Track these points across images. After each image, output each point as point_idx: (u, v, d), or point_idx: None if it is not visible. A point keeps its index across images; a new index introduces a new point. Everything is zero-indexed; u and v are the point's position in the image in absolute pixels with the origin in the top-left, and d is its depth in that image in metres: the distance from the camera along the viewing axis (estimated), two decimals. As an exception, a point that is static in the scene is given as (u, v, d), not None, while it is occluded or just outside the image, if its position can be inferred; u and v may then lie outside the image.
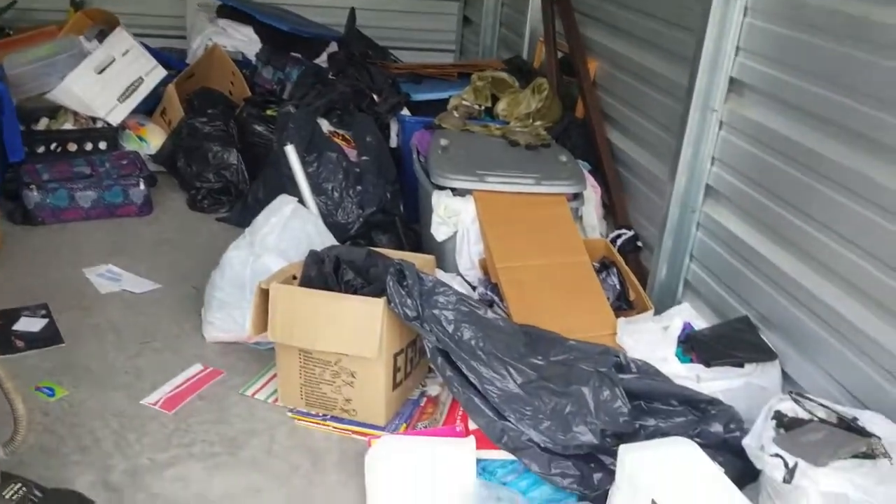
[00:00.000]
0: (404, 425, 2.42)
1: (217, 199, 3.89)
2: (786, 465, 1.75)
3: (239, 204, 3.80)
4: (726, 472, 2.03)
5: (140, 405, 2.46)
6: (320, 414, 2.46)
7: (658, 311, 2.66)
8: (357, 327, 2.27)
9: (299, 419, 2.44)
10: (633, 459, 1.80)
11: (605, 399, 2.09)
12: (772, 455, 1.79)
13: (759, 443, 1.88)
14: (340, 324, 2.28)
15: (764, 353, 2.39)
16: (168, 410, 2.45)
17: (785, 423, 1.92)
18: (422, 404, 2.53)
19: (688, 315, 2.55)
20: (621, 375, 2.18)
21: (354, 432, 2.40)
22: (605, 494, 1.95)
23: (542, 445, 2.09)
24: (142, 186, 3.70)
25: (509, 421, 2.12)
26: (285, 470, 2.24)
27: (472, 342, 2.22)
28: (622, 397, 2.09)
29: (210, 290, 2.80)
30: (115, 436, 2.32)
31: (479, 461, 2.22)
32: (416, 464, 2.20)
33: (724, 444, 2.12)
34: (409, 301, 2.24)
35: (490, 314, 2.32)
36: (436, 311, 2.25)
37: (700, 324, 2.53)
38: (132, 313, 2.96)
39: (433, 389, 2.58)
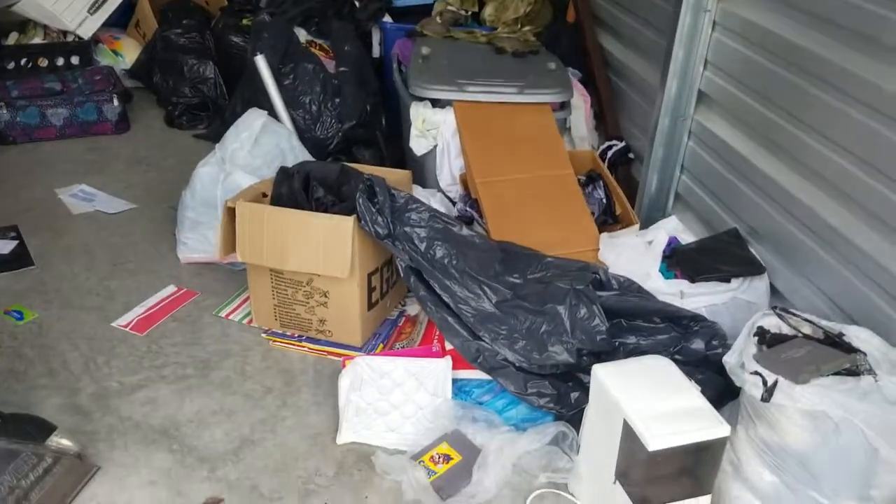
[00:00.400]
0: (381, 345, 2.36)
1: (195, 115, 3.76)
2: (764, 382, 1.67)
3: (217, 120, 3.67)
4: (707, 390, 1.97)
5: (111, 327, 2.41)
6: (295, 335, 2.40)
7: (648, 226, 2.56)
8: (327, 246, 2.18)
9: (274, 340, 2.39)
10: (605, 377, 1.74)
11: (581, 317, 2.01)
12: (751, 373, 1.72)
13: (740, 360, 1.80)
14: (310, 243, 2.19)
15: (752, 267, 2.30)
16: (139, 332, 2.39)
17: (767, 340, 1.84)
18: (400, 324, 2.47)
19: (674, 229, 2.44)
20: (601, 293, 2.10)
21: (330, 353, 2.35)
22: (582, 413, 1.89)
23: (518, 365, 2.02)
24: (116, 103, 3.56)
25: (484, 341, 2.05)
26: (258, 391, 2.20)
27: (446, 260, 2.13)
28: (599, 315, 2.01)
29: (181, 210, 2.71)
30: (84, 359, 2.27)
31: (455, 381, 2.16)
32: (391, 384, 2.15)
33: (705, 361, 2.06)
34: (379, 218, 2.14)
35: (465, 231, 2.23)
36: (407, 229, 2.16)
37: (687, 238, 2.44)
38: (105, 234, 2.89)
39: (412, 309, 2.52)
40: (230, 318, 2.48)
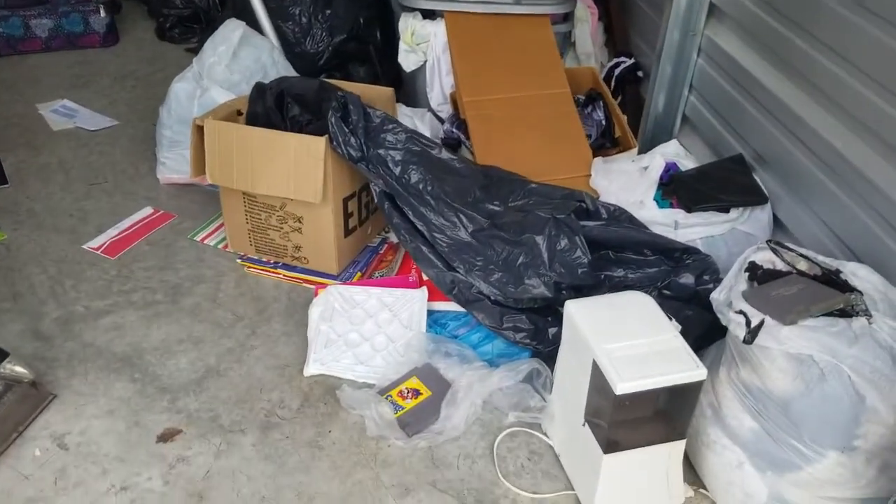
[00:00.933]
0: (359, 274, 2.26)
1: (187, 28, 3.60)
2: (747, 323, 1.54)
3: (209, 32, 3.49)
4: (694, 328, 1.86)
5: (82, 250, 2.34)
6: (271, 261, 2.30)
7: (650, 149, 2.39)
8: (298, 169, 2.06)
9: (249, 267, 2.30)
10: (577, 314, 1.62)
11: (561, 249, 1.88)
12: (736, 311, 1.59)
13: (728, 297, 1.67)
14: (280, 165, 2.07)
15: (754, 196, 2.13)
16: (111, 256, 2.32)
17: (759, 276, 1.70)
18: (381, 251, 2.36)
19: (674, 154, 2.28)
20: (586, 222, 1.96)
21: (305, 281, 2.25)
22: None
23: (493, 298, 1.91)
24: (103, 14, 3.42)
25: (459, 272, 1.94)
26: (228, 319, 2.12)
27: (421, 185, 2.00)
28: (581, 247, 1.88)
29: (159, 128, 2.60)
30: (51, 282, 2.20)
31: (430, 313, 2.07)
32: (363, 315, 2.06)
33: (695, 296, 1.93)
34: (352, 139, 2.01)
35: (444, 154, 2.09)
36: (382, 151, 2.03)
37: (688, 164, 2.27)
38: (85, 152, 2.79)
39: (396, 236, 2.40)
40: (206, 242, 2.39)
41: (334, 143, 2.01)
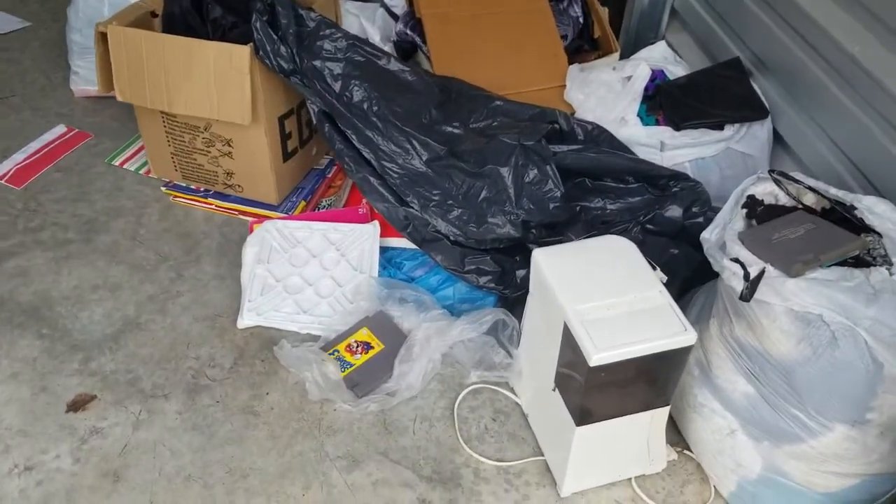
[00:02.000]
0: (303, 203, 1.99)
1: None
2: (745, 274, 1.31)
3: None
4: (681, 269, 1.64)
5: (-17, 179, 2.04)
6: (201, 189, 2.02)
7: (636, 51, 2.09)
8: (220, 84, 1.75)
9: (175, 196, 2.01)
10: (547, 266, 1.37)
11: (530, 181, 1.62)
12: (731, 259, 1.35)
13: (721, 238, 1.43)
14: (200, 80, 1.75)
15: (752, 109, 1.86)
16: (17, 185, 2.02)
17: (758, 213, 1.46)
18: (329, 175, 2.08)
19: (661, 58, 1.98)
20: (559, 147, 1.69)
21: (241, 212, 1.98)
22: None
23: (453, 238, 1.66)
24: None
25: (413, 208, 1.67)
26: (150, 261, 1.86)
27: (366, 105, 1.70)
28: (553, 178, 1.62)
29: (68, 32, 2.25)
30: (-55, 220, 1.92)
31: (384, 250, 1.82)
32: (305, 255, 1.80)
33: (682, 232, 1.69)
34: (282, 48, 1.69)
35: (394, 65, 1.78)
36: (318, 63, 1.72)
37: (677, 71, 1.97)
38: (-11, 60, 2.43)
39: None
40: (125, 166, 2.10)
41: (260, 52, 1.70)
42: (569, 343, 1.30)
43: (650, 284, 1.35)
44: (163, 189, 2.02)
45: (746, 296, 1.30)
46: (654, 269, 1.39)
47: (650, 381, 1.35)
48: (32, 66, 2.41)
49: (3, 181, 2.02)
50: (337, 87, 1.71)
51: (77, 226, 1.93)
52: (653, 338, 1.26)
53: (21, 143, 2.14)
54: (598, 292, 1.32)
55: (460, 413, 1.59)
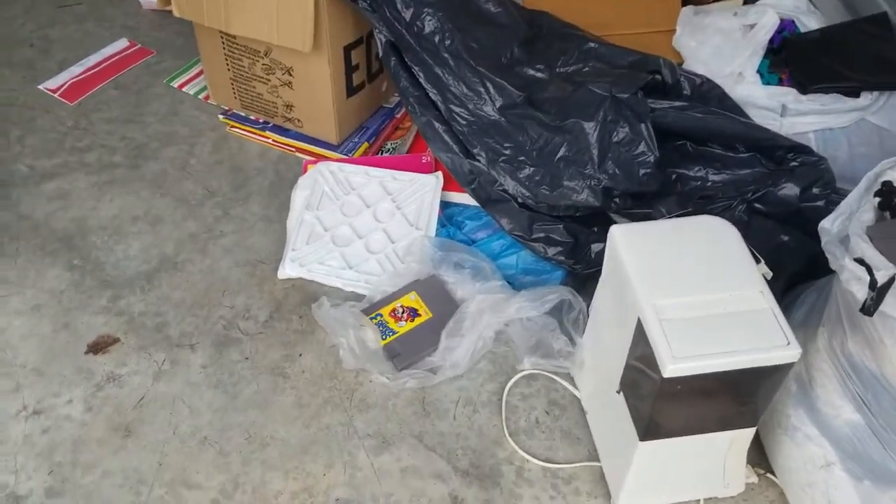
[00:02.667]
0: (365, 144, 1.80)
1: None
2: (871, 282, 1.05)
3: None
4: (791, 260, 1.38)
5: (37, 91, 1.93)
6: (260, 121, 1.86)
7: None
8: (282, 5, 1.56)
9: (232, 126, 1.86)
10: (625, 247, 1.15)
11: (619, 141, 1.38)
12: (854, 259, 1.09)
13: (844, 229, 1.17)
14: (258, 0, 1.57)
15: (898, 75, 1.55)
16: (69, 101, 1.91)
17: (894, 205, 1.18)
18: (397, 116, 1.87)
19: (791, 7, 1.67)
20: (659, 102, 1.43)
21: (298, 150, 1.81)
22: (605, 272, 1.32)
23: (521, 200, 1.44)
24: None
25: (479, 161, 1.46)
26: (197, 195, 1.72)
27: (437, 37, 1.48)
28: (648, 140, 1.37)
29: (137, -62, 2.09)
30: (-7, 132, 1.83)
31: (445, 206, 1.62)
32: (359, 204, 1.63)
33: (797, 215, 1.41)
34: (350, -31, 1.49)
35: (476, -6, 1.55)
36: (389, -13, 1.50)
37: (810, 23, 1.66)
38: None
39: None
40: (184, 89, 1.95)
41: (326, -28, 1.50)
42: (641, 344, 1.08)
43: (751, 282, 1.10)
44: (220, 117, 1.87)
45: (870, 308, 1.04)
46: (757, 261, 1.15)
47: (736, 399, 1.12)
48: (103, -25, 2.28)
49: (56, 95, 1.91)
50: (408, 14, 1.50)
51: (126, 150, 1.80)
52: (745, 350, 1.03)
53: (80, 55, 2.02)
54: (685, 286, 1.09)
55: (509, 400, 1.40)
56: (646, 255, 1.14)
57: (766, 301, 1.08)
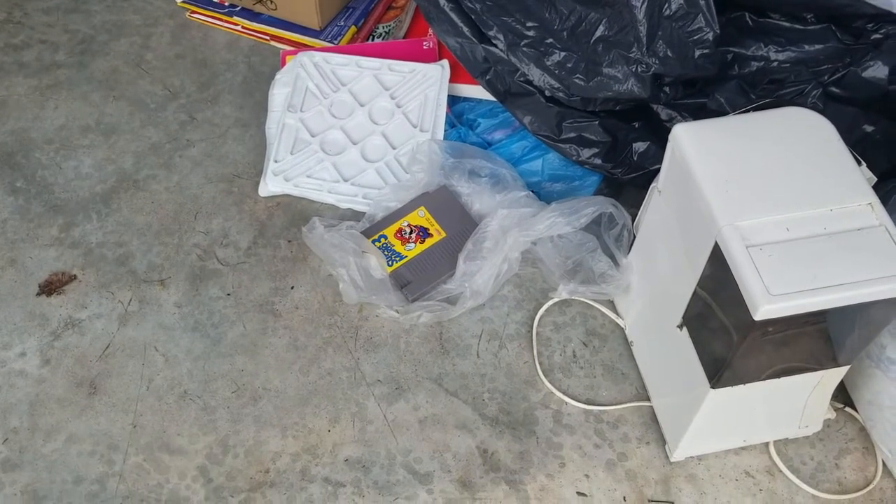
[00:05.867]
0: (353, 28, 1.51)
1: None
2: None
3: None
4: (879, 157, 1.14)
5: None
6: (226, 3, 1.56)
7: None
8: None
9: (193, 11, 1.56)
10: (694, 152, 0.91)
11: (671, 15, 1.11)
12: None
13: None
14: None
15: None
16: (1, -10, 1.60)
17: None
18: (388, -8, 1.59)
19: None
20: (716, -37, 1.15)
21: (273, 37, 1.53)
22: (650, 177, 1.08)
23: (549, 93, 1.19)
24: None
25: (496, 46, 1.19)
26: (157, 97, 1.45)
27: None
28: (706, 11, 1.10)
29: None
30: None
31: (453, 102, 1.37)
32: (350, 102, 1.37)
33: (883, 100, 1.17)
34: None
35: None
36: None
37: None
38: None
39: (410, -33, 1.61)
40: (134, -30, 1.64)
41: None
42: (720, 275, 0.86)
43: (856, 191, 0.88)
44: (178, 1, 1.57)
45: None
46: (859, 164, 0.92)
47: (834, 337, 0.91)
48: None
49: (-16, -18, 1.60)
50: None
51: (70, 45, 1.52)
52: (857, 282, 0.81)
53: (8, -69, 1.69)
54: (774, 200, 0.87)
55: (541, 332, 1.19)
56: (721, 162, 0.90)
57: (876, 216, 0.86)
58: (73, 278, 1.23)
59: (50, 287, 1.22)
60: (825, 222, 0.85)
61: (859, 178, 0.89)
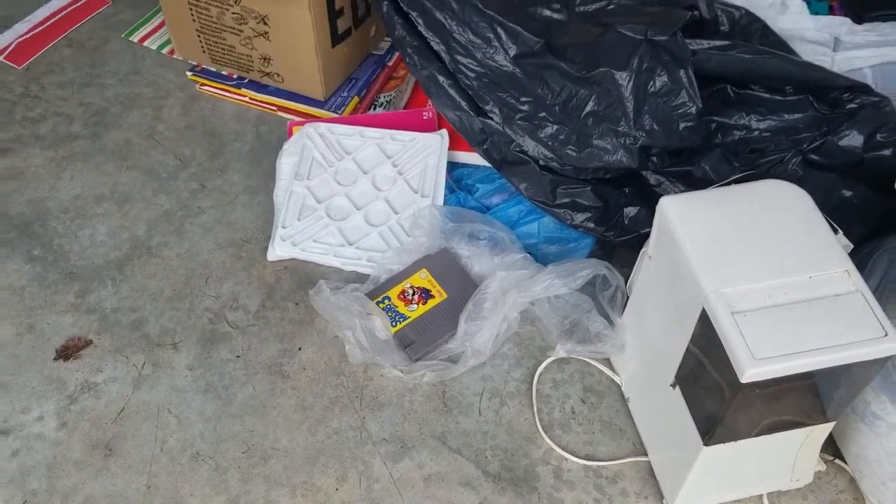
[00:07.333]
0: (355, 99, 1.59)
1: None
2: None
3: None
4: (856, 220, 1.21)
5: (-21, 55, 1.70)
6: (234, 76, 1.64)
7: None
8: (252, -57, 1.34)
9: (203, 83, 1.64)
10: (680, 223, 0.97)
11: (656, 91, 1.18)
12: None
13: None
14: (224, -64, 1.35)
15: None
16: (17, 64, 1.68)
17: None
18: (389, 64, 1.66)
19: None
20: (699, 43, 1.23)
21: (279, 108, 1.60)
22: (640, 240, 1.14)
23: (543, 163, 1.26)
24: None
25: (492, 119, 1.27)
26: (169, 166, 1.51)
27: (437, -24, 1.27)
28: (689, 88, 1.18)
29: None
30: (-70, 105, 1.60)
31: (452, 167, 1.43)
32: (354, 170, 1.43)
33: (859, 167, 1.24)
34: None
35: (479, -80, 1.32)
36: (377, -84, 1.28)
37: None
38: None
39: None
40: (146, 43, 1.73)
41: None
42: (708, 339, 0.92)
43: (833, 258, 0.94)
44: (188, 74, 1.65)
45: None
46: (835, 232, 0.98)
47: (819, 395, 0.96)
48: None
49: (1, 58, 1.68)
50: (401, -51, 1.28)
51: (84, 118, 1.59)
52: (836, 345, 0.87)
53: (26, 9, 1.78)
54: (757, 268, 0.92)
55: (540, 389, 1.24)
56: (706, 232, 0.96)
57: (853, 282, 0.92)
58: (88, 343, 1.27)
59: (67, 352, 1.26)
60: (805, 289, 0.91)
61: (836, 247, 0.95)
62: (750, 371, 0.85)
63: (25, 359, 1.25)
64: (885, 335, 0.87)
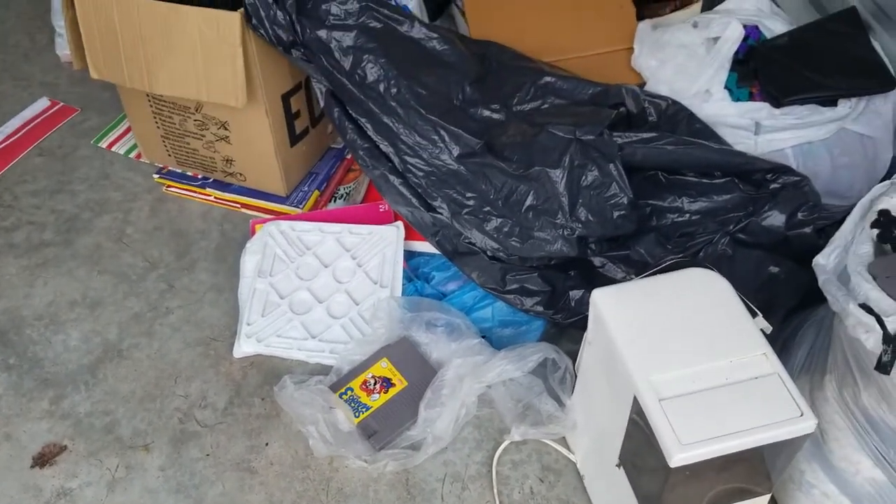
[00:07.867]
0: (316, 192, 1.67)
1: None
2: (885, 335, 0.96)
3: None
4: (783, 298, 1.29)
5: (-48, 168, 1.77)
6: (198, 177, 1.72)
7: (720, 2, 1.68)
8: (209, 60, 1.42)
9: (169, 185, 1.72)
10: (611, 315, 1.04)
11: (588, 185, 1.27)
12: (860, 305, 1.00)
13: (840, 264, 1.08)
14: (182, 53, 1.43)
15: (873, 77, 1.47)
16: (-10, 175, 1.75)
17: (895, 237, 1.10)
18: (347, 157, 1.75)
19: (754, 11, 1.57)
20: (628, 136, 1.32)
21: (243, 205, 1.68)
22: (587, 320, 1.21)
23: (491, 253, 1.33)
24: None
25: (441, 213, 1.35)
26: (138, 268, 1.58)
27: (382, 86, 1.36)
28: (619, 180, 1.27)
29: (47, -13, 1.93)
30: None
31: (409, 256, 1.51)
32: (315, 265, 1.50)
33: (784, 244, 1.33)
34: (279, 15, 1.35)
35: (419, 31, 1.42)
36: (324, 33, 1.37)
37: (776, 28, 1.57)
38: (-34, 19, 2.14)
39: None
40: (114, 148, 1.80)
41: (254, 20, 1.36)
42: (641, 426, 0.98)
43: (751, 342, 1.01)
44: (155, 177, 1.73)
45: (886, 366, 0.96)
46: (754, 315, 1.05)
47: (749, 472, 1.03)
48: (16, 26, 2.12)
49: (-25, 169, 1.75)
50: (347, 63, 1.37)
51: (56, 224, 1.65)
52: (756, 427, 0.93)
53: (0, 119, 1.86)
54: (681, 355, 0.99)
55: (500, 471, 1.30)
56: (634, 323, 1.04)
57: (770, 365, 0.99)
58: (63, 449, 1.32)
59: (43, 459, 1.31)
60: (726, 373, 0.98)
61: (754, 330, 1.02)
62: (678, 456, 0.91)
63: (4, 467, 1.29)
64: (801, 415, 0.94)
